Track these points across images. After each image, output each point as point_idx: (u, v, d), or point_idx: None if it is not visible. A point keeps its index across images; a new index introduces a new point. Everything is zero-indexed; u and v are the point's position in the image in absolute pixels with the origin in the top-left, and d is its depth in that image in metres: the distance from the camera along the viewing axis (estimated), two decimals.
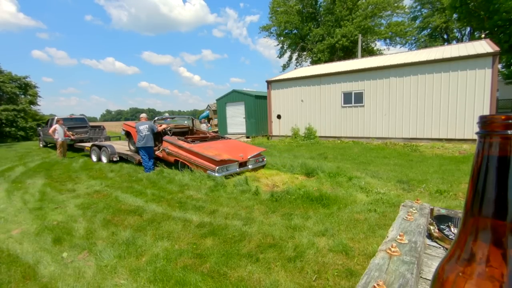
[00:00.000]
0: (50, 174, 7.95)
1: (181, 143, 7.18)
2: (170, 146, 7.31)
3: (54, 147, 11.39)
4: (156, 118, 8.75)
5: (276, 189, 5.47)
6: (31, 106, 25.96)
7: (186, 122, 9.79)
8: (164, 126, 8.00)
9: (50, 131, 10.64)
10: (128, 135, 9.12)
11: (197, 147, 6.94)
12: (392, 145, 11.14)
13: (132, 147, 8.98)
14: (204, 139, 8.41)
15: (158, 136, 7.88)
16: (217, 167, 6.22)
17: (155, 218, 4.18)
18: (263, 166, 7.38)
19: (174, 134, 8.48)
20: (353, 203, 4.45)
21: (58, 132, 10.36)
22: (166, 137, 7.63)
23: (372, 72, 12.16)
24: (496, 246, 0.36)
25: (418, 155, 9.14)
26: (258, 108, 16.53)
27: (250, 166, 6.99)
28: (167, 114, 9.43)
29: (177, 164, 7.37)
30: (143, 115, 7.91)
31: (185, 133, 9.30)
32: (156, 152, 7.80)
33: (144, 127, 7.27)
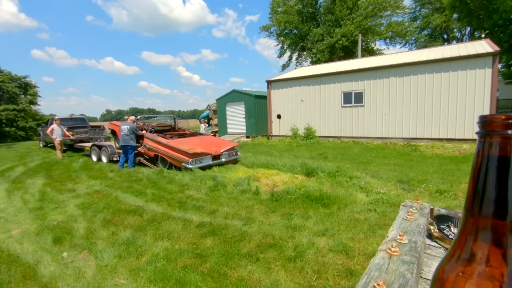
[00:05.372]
0: (50, 174, 7.96)
1: (160, 139, 7.77)
2: (150, 142, 7.91)
3: (54, 147, 11.44)
4: (138, 116, 9.36)
5: (276, 189, 5.46)
6: (31, 106, 25.96)
7: (168, 121, 10.57)
8: (143, 132, 8.52)
9: (48, 131, 10.71)
10: (113, 133, 9.72)
11: (174, 142, 7.49)
12: (392, 145, 11.14)
13: (117, 145, 9.43)
14: (183, 135, 9.07)
15: (140, 136, 8.48)
16: (191, 160, 6.83)
17: (155, 218, 4.18)
18: (236, 160, 8.03)
19: (157, 132, 8.99)
20: (353, 203, 4.45)
21: (56, 132, 10.38)
22: (147, 134, 8.23)
23: (372, 72, 12.15)
24: (496, 246, 0.36)
25: (418, 155, 9.14)
26: (258, 108, 16.52)
27: (223, 159, 7.61)
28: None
29: (157, 159, 7.93)
30: (132, 117, 8.39)
31: (168, 131, 9.83)
32: (138, 148, 8.44)
33: (125, 127, 7.85)
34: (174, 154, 7.16)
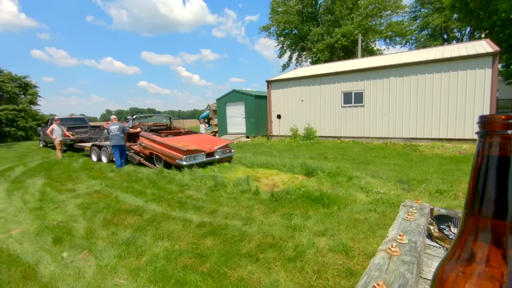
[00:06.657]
0: (50, 174, 7.95)
1: (155, 137, 7.91)
2: (146, 141, 8.02)
3: (54, 147, 11.45)
4: (134, 116, 9.54)
5: (276, 189, 5.46)
6: (31, 106, 25.96)
7: (164, 120, 10.89)
8: (137, 130, 8.79)
9: (48, 131, 10.73)
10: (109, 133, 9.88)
11: (169, 140, 7.63)
12: (392, 145, 11.13)
13: None
14: (178, 133, 9.26)
15: (135, 135, 8.65)
16: (184, 156, 6.93)
17: (155, 218, 4.18)
18: (230, 157, 8.18)
19: (153, 130, 9.13)
20: (353, 203, 4.45)
21: (56, 132, 10.39)
22: (142, 133, 8.35)
23: (372, 72, 12.15)
24: (496, 246, 0.36)
25: (418, 155, 9.14)
26: (258, 108, 16.52)
27: (217, 157, 7.73)
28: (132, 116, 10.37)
29: (152, 157, 8.02)
30: (113, 116, 8.48)
31: (163, 130, 10.00)
32: (134, 147, 8.57)
33: (114, 128, 7.94)
34: (169, 152, 7.25)
